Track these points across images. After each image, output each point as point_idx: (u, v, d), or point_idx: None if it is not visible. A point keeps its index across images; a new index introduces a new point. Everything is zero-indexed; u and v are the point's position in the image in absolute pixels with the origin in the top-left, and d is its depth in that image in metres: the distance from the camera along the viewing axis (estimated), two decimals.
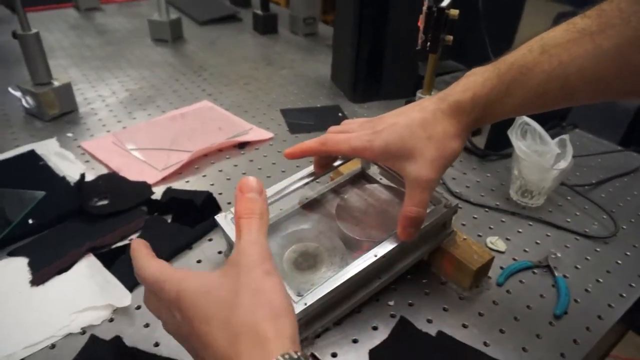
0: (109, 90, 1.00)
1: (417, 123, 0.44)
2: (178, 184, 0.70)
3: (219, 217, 0.52)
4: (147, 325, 0.48)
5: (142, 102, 0.95)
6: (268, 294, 0.30)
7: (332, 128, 0.52)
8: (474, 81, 0.43)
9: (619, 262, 0.61)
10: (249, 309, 0.28)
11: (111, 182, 0.69)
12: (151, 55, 1.19)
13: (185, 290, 0.31)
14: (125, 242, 0.59)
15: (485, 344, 0.48)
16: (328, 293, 0.44)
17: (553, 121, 0.89)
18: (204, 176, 0.73)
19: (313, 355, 0.28)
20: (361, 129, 0.48)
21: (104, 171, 0.72)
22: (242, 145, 0.81)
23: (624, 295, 0.56)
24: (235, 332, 0.28)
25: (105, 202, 0.65)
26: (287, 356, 0.26)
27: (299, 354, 0.27)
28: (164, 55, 1.20)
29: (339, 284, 0.44)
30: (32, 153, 0.75)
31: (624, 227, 0.67)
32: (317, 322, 0.47)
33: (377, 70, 0.96)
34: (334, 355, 0.46)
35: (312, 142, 0.50)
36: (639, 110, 1.56)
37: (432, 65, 0.68)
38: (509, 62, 0.42)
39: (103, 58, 1.16)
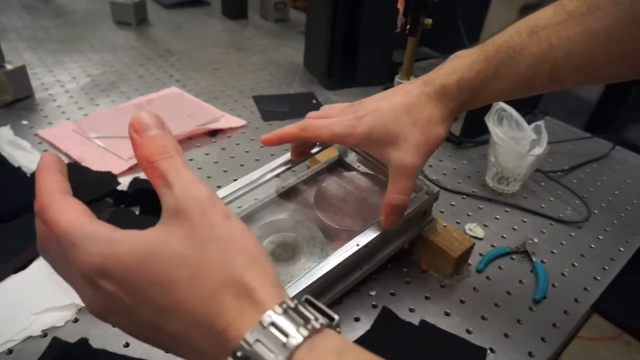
0: (68, 75, 0.94)
1: (401, 108, 0.43)
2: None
3: None
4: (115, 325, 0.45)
5: (105, 88, 0.90)
6: (239, 239, 0.25)
7: (311, 113, 0.50)
8: (460, 64, 0.42)
9: (592, 246, 0.62)
10: (223, 260, 0.24)
11: (73, 172, 0.63)
12: (114, 39, 1.13)
13: (117, 256, 0.24)
14: None
15: (468, 331, 0.48)
16: (310, 285, 0.42)
17: (526, 108, 0.89)
18: None
19: (308, 301, 0.24)
20: (342, 114, 0.46)
21: (65, 161, 0.68)
22: (214, 133, 0.78)
23: (598, 278, 0.57)
24: (210, 289, 0.23)
25: None
26: (284, 305, 0.23)
27: (295, 301, 0.23)
28: (127, 38, 1.14)
29: (320, 274, 0.42)
30: None
31: (596, 211, 0.68)
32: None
33: (352, 57, 0.94)
34: None
35: (290, 127, 0.48)
36: (602, 98, 1.61)
37: (412, 49, 0.67)
38: (497, 44, 0.41)
39: (61, 41, 1.09)
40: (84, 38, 1.11)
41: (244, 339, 0.22)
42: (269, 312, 0.22)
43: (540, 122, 0.68)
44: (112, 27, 1.20)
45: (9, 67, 0.79)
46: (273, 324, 0.22)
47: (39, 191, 0.27)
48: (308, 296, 0.25)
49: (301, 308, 0.23)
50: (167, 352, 0.27)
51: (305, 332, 0.22)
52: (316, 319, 0.23)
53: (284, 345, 0.21)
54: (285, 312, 0.22)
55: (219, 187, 0.65)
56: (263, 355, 0.21)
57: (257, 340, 0.21)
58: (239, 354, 0.22)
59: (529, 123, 0.69)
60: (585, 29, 0.37)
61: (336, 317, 0.24)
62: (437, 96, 0.43)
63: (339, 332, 0.24)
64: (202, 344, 0.23)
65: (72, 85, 0.90)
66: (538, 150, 0.66)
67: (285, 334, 0.22)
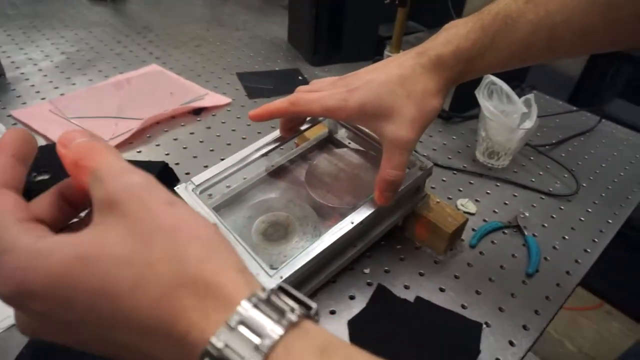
0: (40, 53, 0.89)
1: (395, 80, 0.41)
2: (129, 155, 0.64)
3: (179, 189, 0.47)
4: None
5: (82, 66, 0.86)
6: (189, 226, 0.21)
7: (301, 87, 0.48)
8: (456, 33, 0.40)
9: (582, 218, 0.62)
10: (172, 254, 0.20)
11: (51, 154, 0.61)
12: (88, 15, 1.07)
13: (43, 269, 0.20)
14: (73, 220, 0.53)
15: (463, 306, 0.48)
16: (305, 264, 0.41)
17: (513, 82, 0.89)
18: (158, 145, 0.67)
19: (281, 288, 0.21)
20: (333, 88, 0.44)
21: (42, 142, 0.65)
22: (198, 112, 0.75)
23: (588, 250, 0.57)
24: (162, 290, 0.20)
25: (45, 176, 0.58)
26: (254, 299, 0.20)
27: (266, 291, 0.20)
28: (102, 14, 1.09)
29: (316, 254, 0.41)
30: None
31: (584, 184, 0.68)
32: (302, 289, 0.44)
33: (338, 32, 0.92)
34: None
35: (280, 102, 0.46)
36: (584, 71, 1.62)
37: (402, 20, 0.65)
38: (493, 13, 0.39)
39: (31, 17, 1.03)
40: (54, 14, 1.06)
41: (211, 343, 0.19)
42: (238, 309, 0.19)
43: (530, 96, 0.68)
44: (85, 3, 1.14)
45: None
46: (242, 323, 0.19)
47: None
48: (281, 283, 0.22)
49: (274, 299, 0.20)
50: None
51: (280, 330, 0.19)
52: (292, 310, 0.20)
53: (257, 348, 0.18)
54: (255, 307, 0.19)
55: (206, 166, 0.63)
56: None
57: (226, 345, 0.18)
58: None
59: (518, 97, 0.68)
60: None
61: (314, 305, 0.21)
62: (432, 67, 0.41)
63: (317, 322, 0.21)
64: (162, 354, 0.20)
65: (45, 63, 0.86)
66: (528, 124, 0.66)
67: (258, 334, 0.19)
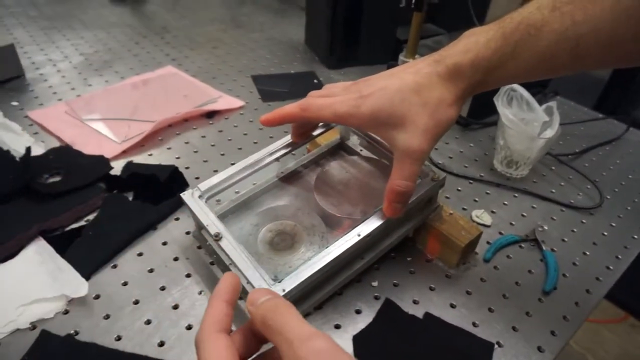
0: (60, 53, 0.90)
1: (409, 87, 0.39)
2: (140, 158, 0.64)
3: (185, 195, 0.47)
4: (107, 317, 0.43)
5: (99, 67, 0.87)
6: None
7: (313, 92, 0.47)
8: (476, 41, 0.38)
9: (605, 233, 0.59)
10: None
11: (64, 156, 0.62)
12: (107, 16, 1.09)
13: None
14: (81, 223, 0.53)
15: (474, 324, 0.46)
16: (309, 277, 0.40)
17: (536, 88, 0.86)
18: (169, 149, 0.67)
19: None
20: (346, 93, 0.43)
21: (56, 144, 0.65)
22: (211, 115, 0.75)
23: (611, 267, 0.54)
24: None
25: (57, 178, 0.58)
26: None
27: None
28: (121, 15, 1.10)
29: (320, 267, 0.40)
30: None
31: (608, 197, 0.65)
32: (299, 307, 0.43)
33: (355, 34, 0.90)
34: None
35: (291, 107, 0.45)
36: (612, 75, 1.56)
37: (417, 25, 0.63)
38: (515, 21, 0.37)
39: (52, 18, 1.05)
40: (76, 15, 1.08)
41: None
42: None
43: (552, 103, 0.65)
44: (105, 3, 1.15)
45: None
46: None
47: (202, 320, 0.28)
48: None
49: None
50: None
51: None
52: None
53: None
54: None
55: (216, 171, 0.63)
56: None
57: None
58: None
59: (540, 104, 0.65)
60: (614, 3, 0.33)
61: None
62: (449, 76, 0.39)
63: None
64: None
65: (64, 64, 0.87)
66: (549, 133, 0.63)
67: None
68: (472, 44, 0.39)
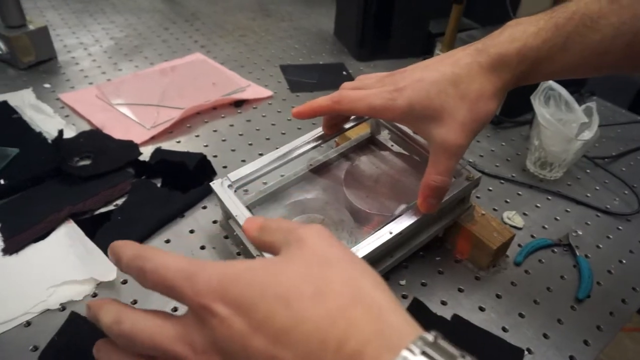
0: (91, 37, 0.91)
1: (447, 79, 0.38)
2: (168, 144, 0.64)
3: (214, 184, 0.46)
4: (134, 302, 0.43)
5: (128, 52, 0.87)
6: (362, 263, 0.24)
7: (346, 84, 0.46)
8: (524, 31, 0.37)
9: None
10: (351, 279, 0.22)
11: (94, 139, 0.63)
12: (138, 0, 1.09)
13: (235, 274, 0.23)
14: (110, 207, 0.53)
15: (503, 329, 0.45)
16: None
17: (572, 87, 0.83)
18: (197, 136, 0.67)
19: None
20: (380, 85, 0.42)
21: (86, 127, 0.66)
22: (239, 104, 0.74)
23: None
24: (338, 303, 0.21)
25: (87, 162, 0.59)
26: (419, 343, 0.20)
27: (433, 334, 0.21)
28: (152, 0, 1.10)
29: None
30: (4, 104, 0.67)
31: None
32: None
33: (386, 26, 0.88)
34: None
35: (324, 99, 0.44)
36: None
37: (456, 18, 0.61)
38: (570, 11, 0.36)
39: (84, 1, 1.05)
40: None
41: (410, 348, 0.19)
42: (410, 346, 0.20)
43: (592, 104, 0.62)
44: None
45: (31, 27, 0.77)
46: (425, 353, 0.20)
47: (153, 262, 0.27)
48: (436, 333, 0.21)
49: (440, 342, 0.20)
50: None
51: None
52: (463, 356, 0.20)
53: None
54: (426, 350, 0.20)
55: (244, 161, 0.62)
56: None
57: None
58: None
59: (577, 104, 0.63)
60: None
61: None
62: (491, 67, 0.38)
63: None
64: None
65: (95, 48, 0.87)
66: (588, 135, 0.61)
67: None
68: (519, 32, 0.37)
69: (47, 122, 0.65)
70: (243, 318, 0.22)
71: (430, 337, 0.20)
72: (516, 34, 0.37)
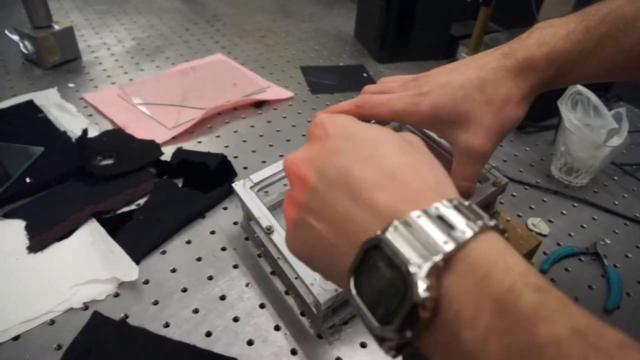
0: (114, 37, 0.92)
1: (473, 83, 0.37)
2: (189, 145, 0.64)
3: (237, 186, 0.46)
4: (156, 303, 0.43)
5: (150, 52, 0.88)
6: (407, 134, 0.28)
7: (368, 87, 0.45)
8: (553, 34, 0.36)
9: None
10: (419, 152, 0.26)
11: (117, 139, 0.63)
12: (159, 1, 1.10)
13: (346, 118, 0.29)
14: (132, 207, 0.53)
15: None
16: None
17: (598, 92, 0.81)
18: (218, 137, 0.67)
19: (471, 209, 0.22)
20: (404, 89, 0.41)
21: (109, 127, 0.66)
22: (259, 105, 0.74)
23: None
24: (415, 160, 0.25)
25: (110, 161, 0.59)
26: (455, 201, 0.22)
27: (467, 202, 0.22)
28: (173, 2, 1.11)
29: None
30: (30, 103, 0.68)
31: None
32: (345, 309, 0.42)
33: (407, 28, 0.87)
34: (363, 345, 0.42)
35: (346, 104, 0.43)
36: None
37: (483, 21, 0.60)
38: (602, 13, 0.34)
39: (107, 2, 1.07)
40: (129, 0, 1.09)
41: (410, 216, 0.21)
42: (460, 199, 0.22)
43: (622, 110, 0.61)
44: None
45: (57, 27, 0.78)
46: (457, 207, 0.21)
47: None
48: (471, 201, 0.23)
49: (473, 206, 0.22)
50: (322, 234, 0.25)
51: (476, 228, 0.20)
52: (490, 218, 0.21)
53: (451, 235, 0.20)
54: (456, 208, 0.21)
55: (264, 162, 0.62)
56: (431, 234, 0.20)
57: (420, 227, 0.21)
58: (438, 205, 0.21)
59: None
60: None
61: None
62: (518, 71, 0.37)
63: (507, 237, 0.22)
64: (383, 198, 0.23)
65: (117, 48, 0.88)
66: (616, 141, 0.59)
67: (452, 227, 0.20)
68: (548, 36, 0.36)
69: (71, 121, 0.65)
70: (342, 139, 0.26)
71: (466, 202, 0.22)
72: (545, 37, 0.36)
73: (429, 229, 0.20)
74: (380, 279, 0.21)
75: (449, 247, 0.19)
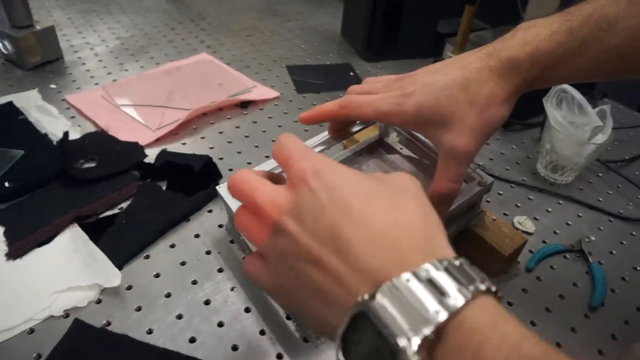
0: (97, 37, 0.90)
1: (457, 84, 0.37)
2: (174, 146, 0.64)
3: (221, 188, 0.45)
4: (139, 309, 0.43)
5: (135, 52, 0.87)
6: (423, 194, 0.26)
7: (353, 88, 0.45)
8: (537, 34, 0.36)
9: None
10: (414, 204, 0.25)
11: (99, 141, 0.62)
12: (144, 0, 1.08)
13: (330, 164, 0.27)
14: (115, 210, 0.53)
15: None
16: None
17: (583, 89, 0.81)
18: (203, 138, 0.66)
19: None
20: (388, 90, 0.41)
21: (91, 129, 0.65)
22: (245, 105, 0.74)
23: None
24: (404, 217, 0.24)
25: (92, 164, 0.58)
26: (446, 262, 0.21)
27: (460, 260, 0.22)
28: (158, 0, 1.09)
29: None
30: (10, 105, 0.67)
31: None
32: None
33: (394, 27, 0.87)
34: None
35: (331, 105, 0.43)
36: None
37: (469, 19, 0.60)
38: (585, 13, 0.34)
39: (91, 1, 1.05)
40: None
41: (396, 280, 0.20)
42: (451, 259, 0.21)
43: (606, 107, 0.61)
44: None
45: (38, 27, 0.76)
46: (430, 280, 0.20)
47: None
48: (463, 259, 0.22)
49: (465, 266, 0.21)
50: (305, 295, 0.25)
51: (468, 294, 0.20)
52: (482, 281, 0.21)
53: (442, 302, 0.19)
54: (446, 270, 0.21)
55: (250, 163, 0.62)
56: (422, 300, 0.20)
57: (410, 291, 0.20)
58: (426, 268, 0.21)
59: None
60: None
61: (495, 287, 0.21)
62: (502, 71, 0.37)
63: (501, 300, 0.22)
64: (372, 260, 0.22)
65: (101, 48, 0.87)
66: (601, 138, 0.59)
67: (443, 293, 0.20)
68: (531, 36, 0.36)
69: (53, 123, 0.64)
70: (327, 192, 0.25)
71: (457, 261, 0.22)
72: (528, 37, 0.36)
73: (420, 293, 0.20)
74: (369, 348, 0.20)
75: (441, 317, 0.19)
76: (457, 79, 0.37)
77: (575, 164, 0.61)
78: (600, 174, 0.67)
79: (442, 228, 0.25)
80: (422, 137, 0.50)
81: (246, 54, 0.89)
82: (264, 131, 0.68)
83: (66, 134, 0.60)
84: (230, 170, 0.60)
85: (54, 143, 0.60)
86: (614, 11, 0.33)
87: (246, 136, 0.67)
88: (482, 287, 0.20)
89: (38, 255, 0.46)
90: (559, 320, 0.46)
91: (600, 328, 0.46)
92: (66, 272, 0.45)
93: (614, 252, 0.54)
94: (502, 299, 0.22)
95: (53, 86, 0.74)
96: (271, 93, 0.76)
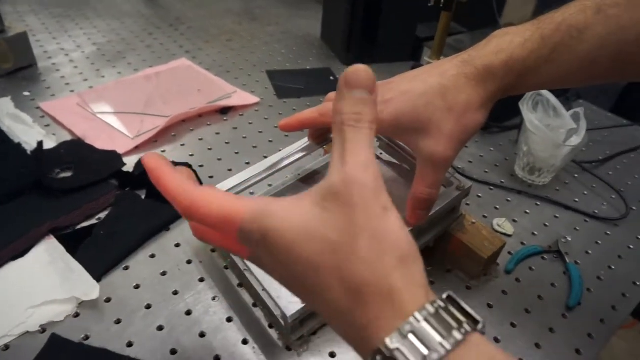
0: (72, 43, 0.89)
1: (434, 91, 0.37)
2: None
3: None
4: (118, 322, 0.42)
5: (111, 58, 0.85)
6: (392, 235, 0.23)
7: (332, 95, 0.45)
8: (511, 41, 0.36)
9: (631, 246, 0.57)
10: (372, 257, 0.23)
11: (75, 150, 0.61)
12: (121, 5, 1.07)
13: (275, 231, 0.24)
14: (92, 221, 0.52)
15: (496, 339, 0.44)
16: None
17: (558, 91, 0.83)
18: (182, 145, 0.65)
19: (450, 299, 0.23)
20: None
21: (67, 137, 0.64)
22: (225, 111, 0.73)
23: (638, 283, 0.52)
24: (355, 283, 0.22)
25: (68, 174, 0.57)
26: (424, 313, 0.21)
27: (436, 304, 0.22)
28: (135, 4, 1.08)
29: None
30: None
31: (634, 207, 0.63)
32: (314, 319, 0.42)
33: (373, 31, 0.88)
34: (332, 355, 0.41)
35: (310, 112, 0.43)
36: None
37: (445, 25, 0.61)
38: (556, 22, 0.35)
39: (65, 5, 1.03)
40: (89, 3, 1.06)
41: (384, 344, 0.21)
42: (410, 319, 0.21)
43: (580, 110, 0.63)
44: None
45: (9, 32, 0.75)
46: (413, 332, 0.21)
47: (173, 193, 0.27)
48: (450, 293, 0.23)
49: (443, 313, 0.22)
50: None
51: (448, 345, 0.20)
52: (459, 327, 0.21)
53: (425, 358, 0.20)
54: (426, 320, 0.21)
55: (230, 170, 0.61)
56: None
57: (397, 349, 0.20)
58: (378, 358, 0.21)
59: (564, 108, 0.63)
60: None
61: (481, 320, 0.22)
62: (478, 78, 0.37)
63: (484, 334, 0.22)
64: (344, 330, 0.24)
65: (77, 54, 0.85)
66: (575, 140, 0.61)
67: (427, 346, 0.20)
68: (505, 43, 0.37)
69: (26, 132, 0.63)
70: (276, 264, 0.25)
71: (432, 308, 0.22)
72: (502, 45, 0.37)
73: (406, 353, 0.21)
74: None
75: None
76: (435, 86, 0.38)
77: (552, 166, 0.63)
78: (576, 175, 0.68)
79: (408, 255, 0.23)
80: (401, 143, 0.50)
81: (226, 59, 0.88)
82: (244, 137, 0.68)
83: (40, 143, 0.58)
84: (211, 177, 0.60)
85: (28, 152, 0.59)
86: (582, 19, 0.34)
87: (227, 143, 0.66)
88: (459, 336, 0.21)
89: (13, 269, 0.45)
90: (538, 320, 0.47)
91: (578, 327, 0.47)
92: (42, 285, 0.44)
93: (590, 252, 0.56)
94: (484, 331, 0.22)
95: (26, 94, 0.72)
96: (251, 99, 0.76)
